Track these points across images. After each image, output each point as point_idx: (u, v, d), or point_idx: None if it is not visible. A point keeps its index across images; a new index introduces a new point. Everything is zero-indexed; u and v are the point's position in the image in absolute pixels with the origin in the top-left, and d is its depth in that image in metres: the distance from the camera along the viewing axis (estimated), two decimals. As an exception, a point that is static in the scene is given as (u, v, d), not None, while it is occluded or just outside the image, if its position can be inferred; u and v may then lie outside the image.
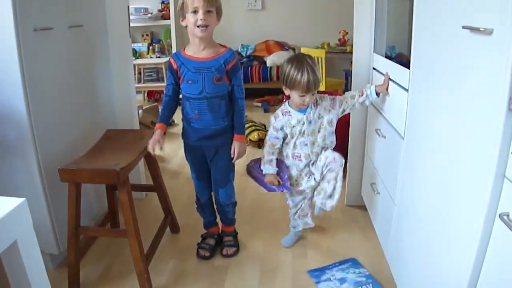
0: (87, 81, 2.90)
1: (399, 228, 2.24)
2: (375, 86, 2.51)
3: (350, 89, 3.02)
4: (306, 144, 2.56)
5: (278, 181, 2.62)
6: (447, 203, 1.60)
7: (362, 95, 2.55)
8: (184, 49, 2.43)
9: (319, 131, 2.55)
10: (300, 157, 2.60)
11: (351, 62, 3.08)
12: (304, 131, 2.53)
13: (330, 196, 2.57)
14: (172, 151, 4.70)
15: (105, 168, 2.16)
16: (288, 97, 2.56)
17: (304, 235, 2.92)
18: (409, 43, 2.00)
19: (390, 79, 2.39)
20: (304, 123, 2.51)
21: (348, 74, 6.50)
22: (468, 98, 1.40)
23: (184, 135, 2.64)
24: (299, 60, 2.44)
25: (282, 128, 2.56)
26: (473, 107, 1.37)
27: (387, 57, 2.51)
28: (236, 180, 3.83)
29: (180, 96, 2.50)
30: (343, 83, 6.25)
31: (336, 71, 6.66)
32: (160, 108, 2.76)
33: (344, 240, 2.89)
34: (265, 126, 5.08)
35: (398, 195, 2.23)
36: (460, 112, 1.47)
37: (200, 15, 2.24)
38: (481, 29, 1.22)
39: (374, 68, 2.78)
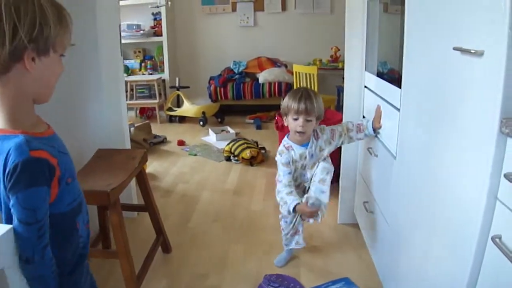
0: (77, 99, 2.89)
1: (393, 248, 2.22)
2: (372, 122, 2.52)
3: (342, 106, 3.03)
4: (304, 175, 2.61)
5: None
6: (439, 225, 1.59)
7: (360, 131, 2.58)
8: (20, 129, 1.21)
9: (319, 163, 2.57)
10: (297, 187, 2.64)
11: (343, 78, 3.08)
12: (305, 165, 2.56)
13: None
14: (164, 169, 4.67)
15: (95, 189, 2.14)
16: (283, 128, 2.57)
17: (296, 255, 2.90)
18: (400, 62, 2.01)
19: (381, 97, 2.39)
20: (306, 157, 2.53)
21: (340, 90, 6.45)
22: (459, 119, 1.40)
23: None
24: (297, 90, 2.54)
25: (289, 163, 2.55)
26: (464, 128, 1.37)
27: (378, 74, 2.51)
28: (226, 198, 3.84)
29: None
30: (335, 99, 6.25)
31: (328, 87, 6.66)
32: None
33: (337, 259, 2.86)
34: (257, 143, 5.08)
35: (391, 215, 2.22)
36: (452, 133, 1.46)
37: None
38: (472, 51, 1.22)
39: (365, 87, 2.78)
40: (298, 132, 2.46)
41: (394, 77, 2.16)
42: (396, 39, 2.10)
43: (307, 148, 2.52)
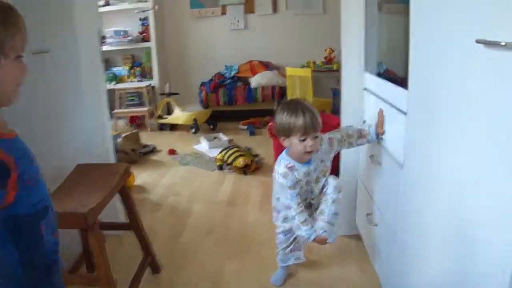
0: (55, 111, 2.70)
1: (401, 264, 2.02)
2: (375, 128, 2.30)
3: (339, 109, 2.83)
4: (311, 192, 2.39)
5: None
6: (458, 243, 1.39)
7: (361, 137, 2.36)
8: None
9: (324, 176, 2.38)
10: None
11: (338, 80, 2.88)
12: (310, 181, 2.34)
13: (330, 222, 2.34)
14: (154, 180, 4.46)
15: (70, 211, 1.93)
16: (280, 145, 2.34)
17: (294, 272, 2.69)
18: (406, 60, 1.80)
19: (384, 100, 2.18)
20: (309, 174, 2.31)
21: (336, 93, 6.28)
22: (480, 124, 1.20)
23: None
24: (292, 104, 2.24)
25: (295, 184, 2.29)
26: (486, 135, 1.17)
27: (380, 74, 2.30)
28: (219, 209, 3.67)
29: None
30: (330, 102, 6.09)
31: (323, 90, 6.47)
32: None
33: (339, 275, 2.66)
34: (250, 151, 4.88)
35: (399, 229, 2.01)
36: (470, 140, 1.26)
37: None
38: (502, 43, 1.01)
39: (365, 89, 2.58)
40: (308, 152, 2.21)
41: (399, 77, 1.96)
42: (400, 33, 1.89)
43: (310, 164, 2.29)
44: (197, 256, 2.94)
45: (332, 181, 2.35)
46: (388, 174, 2.17)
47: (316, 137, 2.18)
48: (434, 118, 1.55)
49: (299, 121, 2.13)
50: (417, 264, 1.83)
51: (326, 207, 2.32)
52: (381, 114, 2.23)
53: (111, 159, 3.17)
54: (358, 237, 2.97)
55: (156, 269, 2.73)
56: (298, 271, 2.69)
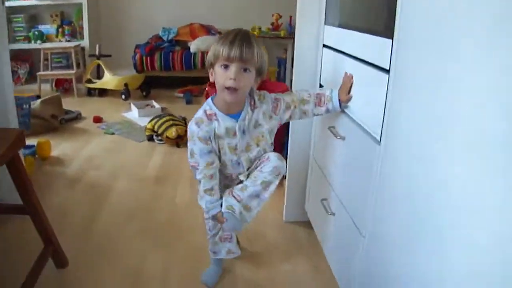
0: None
1: (371, 269, 1.58)
2: (338, 93, 1.81)
3: (284, 77, 2.34)
4: (238, 163, 1.86)
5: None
6: (456, 249, 0.99)
7: (320, 104, 1.86)
8: None
9: (257, 145, 1.84)
10: (226, 179, 1.93)
11: (285, 50, 2.38)
12: (236, 146, 1.81)
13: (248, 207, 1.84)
14: (73, 151, 3.86)
15: None
16: (213, 87, 1.82)
17: (231, 267, 2.22)
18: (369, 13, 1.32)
19: (354, 57, 1.70)
20: (236, 134, 1.79)
21: (281, 63, 5.95)
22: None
23: None
24: (232, 31, 1.71)
25: (209, 138, 1.77)
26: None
27: (348, 25, 1.80)
28: (145, 187, 3.17)
29: None
30: (275, 71, 5.65)
31: (268, 58, 6.03)
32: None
33: (286, 273, 2.21)
34: (185, 120, 4.35)
35: (369, 225, 1.56)
36: (486, 109, 0.83)
37: None
38: None
39: (325, 46, 2.09)
40: (228, 88, 1.67)
41: (378, 24, 1.47)
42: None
43: (237, 120, 1.77)
44: (115, 247, 2.41)
45: (274, 159, 1.81)
46: (356, 152, 1.70)
47: (245, 70, 1.67)
48: (435, 75, 1.09)
49: (225, 45, 1.64)
50: (395, 268, 1.41)
51: (252, 185, 1.81)
52: (347, 77, 1.75)
53: (13, 125, 2.60)
54: (307, 225, 2.52)
55: (61, 262, 2.20)
56: (236, 267, 2.23)
